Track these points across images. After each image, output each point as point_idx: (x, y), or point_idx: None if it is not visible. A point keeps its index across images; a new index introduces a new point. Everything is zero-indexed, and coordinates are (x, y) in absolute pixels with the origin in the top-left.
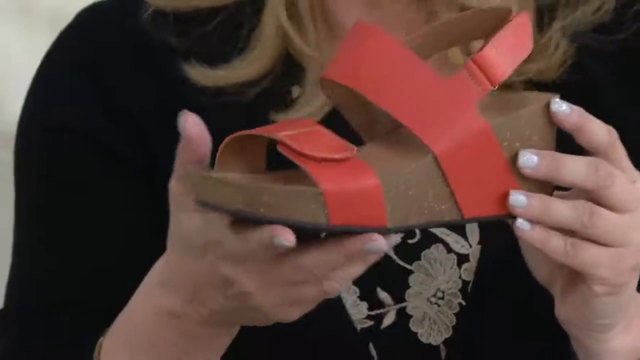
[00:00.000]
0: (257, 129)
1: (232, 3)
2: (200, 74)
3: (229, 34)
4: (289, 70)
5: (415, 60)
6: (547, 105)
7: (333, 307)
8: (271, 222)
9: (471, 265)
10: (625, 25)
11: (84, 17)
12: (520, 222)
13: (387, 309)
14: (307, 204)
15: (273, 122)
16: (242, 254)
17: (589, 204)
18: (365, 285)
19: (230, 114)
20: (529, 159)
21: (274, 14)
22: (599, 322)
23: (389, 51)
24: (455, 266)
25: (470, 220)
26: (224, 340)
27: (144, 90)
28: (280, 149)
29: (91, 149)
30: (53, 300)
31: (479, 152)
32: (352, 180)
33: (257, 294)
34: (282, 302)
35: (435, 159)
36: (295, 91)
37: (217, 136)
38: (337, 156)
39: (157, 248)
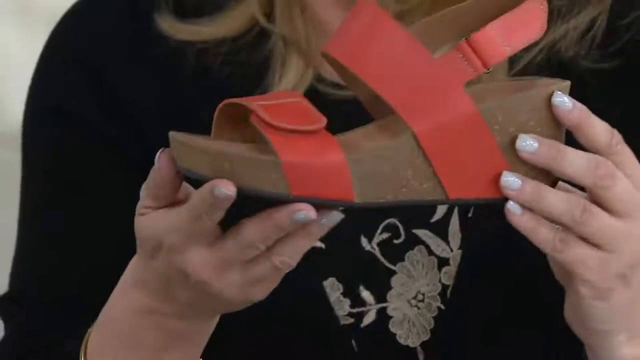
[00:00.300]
0: (239, 98)
1: None
2: (171, 27)
3: None
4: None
5: (409, 39)
6: (551, 94)
7: (318, 302)
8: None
9: (451, 270)
10: (618, 36)
11: (79, 7)
12: (511, 205)
13: (368, 307)
14: (267, 174)
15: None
16: (186, 233)
17: (584, 200)
18: (349, 282)
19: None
20: (528, 144)
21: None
22: (594, 327)
23: (384, 29)
24: (436, 269)
25: (456, 202)
26: (204, 332)
27: (140, 81)
28: (251, 118)
29: (93, 143)
30: (54, 295)
31: (464, 133)
32: (315, 154)
33: (213, 280)
34: (240, 283)
35: (415, 136)
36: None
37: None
38: (304, 128)
39: None
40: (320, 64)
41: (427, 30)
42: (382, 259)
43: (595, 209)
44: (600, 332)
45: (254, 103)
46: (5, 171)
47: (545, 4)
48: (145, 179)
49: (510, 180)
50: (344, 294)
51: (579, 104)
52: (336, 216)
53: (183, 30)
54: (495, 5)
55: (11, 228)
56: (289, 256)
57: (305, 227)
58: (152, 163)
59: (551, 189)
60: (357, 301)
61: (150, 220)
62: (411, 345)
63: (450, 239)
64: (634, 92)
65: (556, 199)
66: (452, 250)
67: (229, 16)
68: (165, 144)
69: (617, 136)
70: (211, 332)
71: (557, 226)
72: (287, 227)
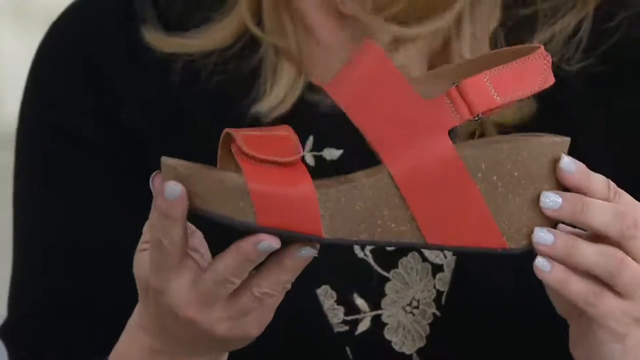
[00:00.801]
0: (231, 128)
1: None
2: (155, 39)
3: (193, 5)
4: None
5: (398, 78)
6: (542, 145)
7: (312, 310)
8: (202, 215)
9: (445, 276)
10: (605, 38)
11: (70, 14)
12: (539, 262)
13: (362, 315)
14: (235, 201)
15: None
16: (166, 272)
17: (620, 252)
18: (343, 290)
19: (217, 104)
20: (552, 200)
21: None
22: None
23: (377, 68)
24: (430, 275)
25: (436, 247)
26: None
27: (135, 86)
28: (232, 146)
29: (88, 154)
30: (57, 315)
31: (445, 179)
32: (284, 184)
33: (199, 316)
34: (227, 317)
35: (391, 177)
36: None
37: (208, 125)
38: (278, 159)
39: None
40: (311, 71)
41: (432, 80)
42: (375, 266)
43: (627, 259)
44: None
45: (239, 132)
46: (3, 173)
47: (550, 59)
48: (141, 187)
49: (542, 236)
50: (338, 302)
51: (580, 166)
52: (308, 251)
53: (170, 43)
54: (499, 61)
55: (9, 229)
56: (269, 287)
57: (279, 260)
58: (150, 172)
59: (583, 241)
60: (351, 309)
61: (140, 258)
62: (407, 352)
63: None
64: (621, 95)
65: (590, 251)
66: (446, 257)
67: (216, 28)
68: (162, 152)
69: (613, 187)
70: None
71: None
72: (253, 258)
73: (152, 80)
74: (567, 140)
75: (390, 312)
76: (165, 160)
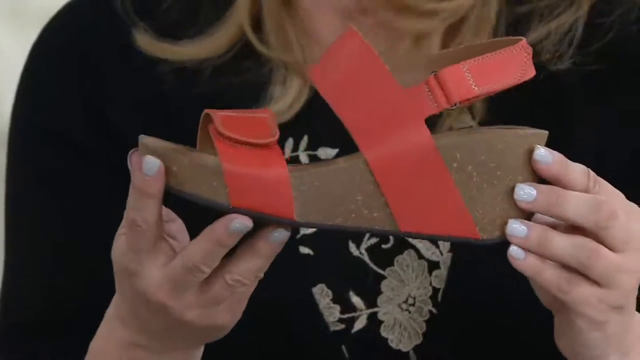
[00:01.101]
0: (210, 109)
1: None
2: (148, 44)
3: (190, 15)
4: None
5: (379, 67)
6: (517, 137)
7: (307, 309)
8: (177, 193)
9: (441, 273)
10: (596, 38)
11: (64, 15)
12: (513, 250)
13: (358, 313)
14: (209, 180)
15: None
16: (139, 254)
17: (593, 243)
18: (338, 288)
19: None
20: (526, 193)
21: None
22: (587, 354)
23: (358, 54)
24: (426, 273)
25: (408, 235)
26: None
27: (126, 87)
28: (209, 127)
29: (80, 158)
30: (50, 320)
31: (420, 167)
32: (259, 166)
33: (170, 301)
34: (197, 304)
35: (366, 163)
36: (276, 90)
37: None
38: (253, 140)
39: None
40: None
41: (412, 68)
42: (371, 264)
43: (601, 249)
44: (594, 356)
45: (217, 113)
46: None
47: (531, 51)
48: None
49: (516, 227)
50: (334, 300)
51: (557, 156)
52: (281, 234)
53: (163, 49)
54: (481, 52)
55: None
56: (241, 275)
57: (252, 244)
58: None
59: (557, 232)
60: (347, 307)
61: (118, 242)
62: (403, 349)
63: (439, 242)
64: (615, 93)
65: (563, 243)
66: (442, 254)
67: (212, 38)
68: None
69: (592, 176)
70: None
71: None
72: (225, 241)
73: (144, 82)
74: (544, 133)
75: (387, 309)
76: (143, 139)
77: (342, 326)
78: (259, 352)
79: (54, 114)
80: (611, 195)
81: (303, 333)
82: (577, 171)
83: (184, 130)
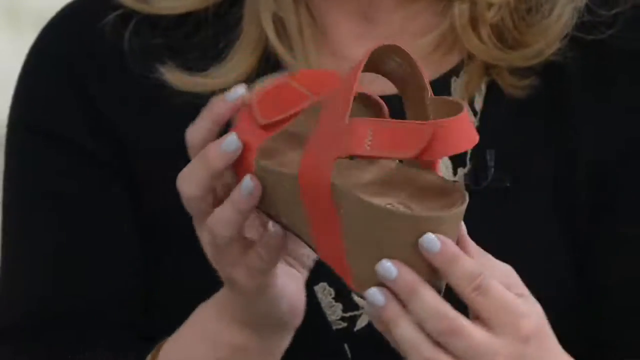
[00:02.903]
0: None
1: (210, 6)
2: (178, 79)
3: (207, 42)
4: (267, 73)
5: (346, 97)
6: (410, 218)
7: (310, 307)
8: None
9: None
10: (600, 29)
11: (63, 17)
12: (372, 292)
13: (360, 311)
14: None
15: None
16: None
17: (454, 319)
18: (340, 287)
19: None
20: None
21: (257, 26)
22: None
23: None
24: None
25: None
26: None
27: (120, 90)
28: None
29: (74, 156)
30: (44, 316)
31: (316, 201)
32: (246, 126)
33: (197, 230)
34: (208, 242)
35: (296, 177)
36: None
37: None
38: (264, 122)
39: (140, 253)
40: None
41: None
42: None
43: (465, 330)
44: None
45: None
46: None
47: (443, 130)
48: (128, 194)
49: (387, 267)
50: (336, 299)
51: (448, 249)
52: (232, 141)
53: (190, 83)
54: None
55: None
56: (213, 223)
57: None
58: (134, 176)
59: (430, 289)
60: (350, 305)
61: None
62: None
63: None
64: (614, 84)
65: (429, 302)
66: None
67: (236, 61)
68: (148, 161)
69: (482, 285)
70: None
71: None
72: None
73: (144, 83)
74: (442, 216)
75: None
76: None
77: (345, 324)
78: None
79: (52, 115)
80: (495, 311)
81: (306, 331)
82: (461, 275)
83: (182, 135)
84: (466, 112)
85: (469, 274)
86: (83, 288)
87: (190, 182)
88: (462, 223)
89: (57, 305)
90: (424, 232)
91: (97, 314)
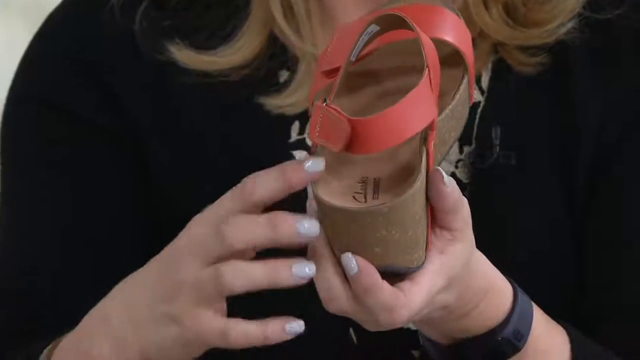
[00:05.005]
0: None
1: None
2: (187, 57)
3: (216, 23)
4: (275, 54)
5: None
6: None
7: (315, 291)
8: None
9: None
10: (608, 9)
11: (71, 1)
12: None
13: None
14: None
15: (258, 103)
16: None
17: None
18: None
19: (216, 93)
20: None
21: (265, 8)
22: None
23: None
24: None
25: None
26: None
27: (129, 70)
28: None
29: (84, 129)
30: (32, 286)
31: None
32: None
33: None
34: None
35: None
36: (283, 75)
37: (203, 115)
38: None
39: (144, 229)
40: None
41: None
42: None
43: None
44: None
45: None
46: None
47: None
48: (138, 171)
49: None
50: None
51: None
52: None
53: (197, 61)
54: None
55: None
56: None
57: None
58: (146, 157)
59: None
60: None
61: None
62: (412, 327)
63: None
64: (619, 66)
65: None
66: None
67: (242, 42)
68: (158, 139)
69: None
70: None
71: None
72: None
73: (153, 66)
74: (362, 211)
75: None
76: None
77: None
78: None
79: (55, 85)
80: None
81: (310, 316)
82: (374, 305)
83: (191, 124)
84: (397, 107)
85: (383, 305)
86: (84, 259)
87: (248, 236)
88: (453, 180)
89: (49, 277)
90: (362, 225)
91: (94, 285)
